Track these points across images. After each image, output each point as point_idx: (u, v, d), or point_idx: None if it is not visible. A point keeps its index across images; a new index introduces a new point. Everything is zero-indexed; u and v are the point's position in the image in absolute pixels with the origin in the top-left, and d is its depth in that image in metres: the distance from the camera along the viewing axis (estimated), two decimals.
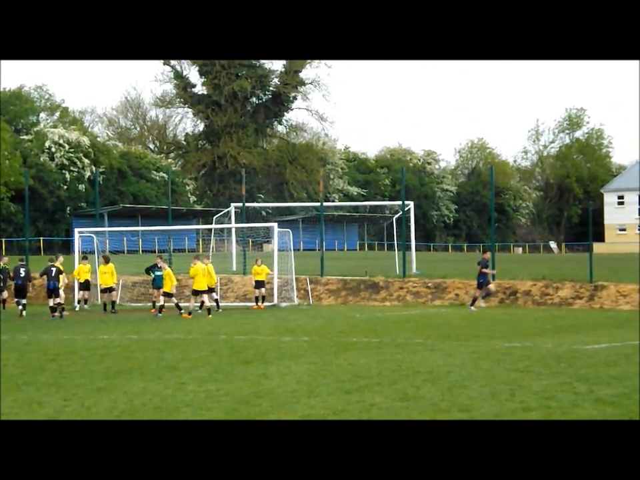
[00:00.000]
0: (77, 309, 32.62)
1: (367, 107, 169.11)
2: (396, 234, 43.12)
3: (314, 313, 29.17)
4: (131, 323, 26.58)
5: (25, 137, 77.14)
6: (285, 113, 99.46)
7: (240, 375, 14.38)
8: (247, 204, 45.33)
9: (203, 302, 30.06)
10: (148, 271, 31.80)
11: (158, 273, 30.95)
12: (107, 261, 32.68)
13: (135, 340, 20.66)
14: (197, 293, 29.77)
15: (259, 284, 32.90)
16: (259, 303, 32.63)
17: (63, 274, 30.98)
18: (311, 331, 22.17)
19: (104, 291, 32.25)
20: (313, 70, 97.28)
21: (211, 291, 30.89)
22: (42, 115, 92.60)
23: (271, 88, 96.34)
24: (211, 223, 49.58)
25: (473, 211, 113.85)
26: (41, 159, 72.32)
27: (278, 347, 18.48)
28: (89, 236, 37.55)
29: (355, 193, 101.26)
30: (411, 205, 42.51)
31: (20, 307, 29.98)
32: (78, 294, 33.16)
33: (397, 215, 43.15)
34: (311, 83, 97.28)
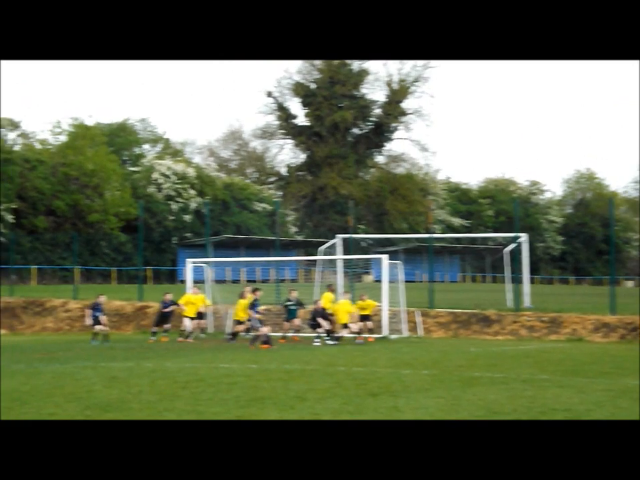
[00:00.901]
0: (194, 336, 33.25)
1: (469, 136, 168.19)
2: (506, 266, 42.50)
3: (427, 346, 28.92)
4: (246, 351, 26.78)
5: (133, 169, 79.07)
6: (386, 144, 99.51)
7: (371, 407, 14.30)
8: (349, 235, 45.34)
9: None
10: (286, 306, 32.44)
11: (292, 307, 31.73)
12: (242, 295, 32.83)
13: (256, 369, 20.79)
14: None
15: (365, 317, 32.94)
16: (366, 335, 32.56)
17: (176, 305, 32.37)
18: (429, 364, 21.95)
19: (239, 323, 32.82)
20: (415, 100, 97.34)
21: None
22: (145, 146, 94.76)
23: (372, 118, 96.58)
24: (311, 254, 49.75)
25: (580, 242, 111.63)
26: (149, 190, 73.92)
27: (400, 380, 18.33)
28: (199, 266, 38.15)
29: (457, 224, 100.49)
30: (524, 237, 41.82)
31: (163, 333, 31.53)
32: (192, 322, 33.66)
33: (508, 247, 42.49)
34: (412, 113, 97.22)
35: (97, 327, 31.05)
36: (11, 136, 79.76)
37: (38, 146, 74.74)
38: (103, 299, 32.12)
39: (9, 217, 61.05)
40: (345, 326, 30.90)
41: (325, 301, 32.12)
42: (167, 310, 32.66)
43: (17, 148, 72.83)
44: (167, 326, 32.49)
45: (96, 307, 31.51)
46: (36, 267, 60.14)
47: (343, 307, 31.50)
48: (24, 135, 79.11)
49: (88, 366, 21.38)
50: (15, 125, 79.85)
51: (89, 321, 31.64)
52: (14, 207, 61.66)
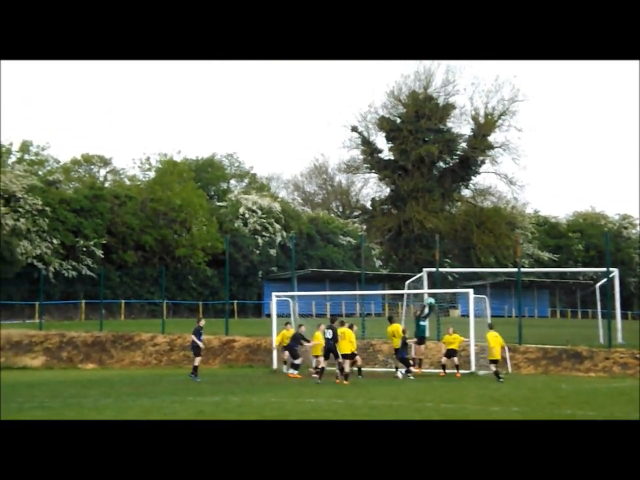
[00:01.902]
0: (284, 370, 33.24)
1: (557, 170, 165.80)
2: (599, 301, 41.46)
3: (516, 382, 28.33)
4: (332, 386, 26.58)
5: (220, 204, 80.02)
6: (473, 177, 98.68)
7: None
8: (434, 269, 44.89)
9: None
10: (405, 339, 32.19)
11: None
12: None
13: (342, 405, 20.57)
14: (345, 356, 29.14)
15: (452, 352, 32.59)
16: (455, 370, 32.21)
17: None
18: (519, 401, 21.42)
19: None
20: (502, 133, 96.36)
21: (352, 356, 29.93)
22: (232, 181, 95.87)
23: (458, 152, 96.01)
24: (397, 288, 49.38)
25: None
26: (235, 225, 74.64)
27: (489, 418, 17.88)
28: (284, 300, 38.18)
29: (546, 258, 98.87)
30: (615, 272, 40.76)
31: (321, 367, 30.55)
32: (284, 355, 33.71)
33: (600, 282, 41.44)
34: (500, 147, 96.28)
35: (197, 359, 30.40)
36: (102, 172, 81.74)
37: (127, 182, 76.33)
38: (203, 322, 31.71)
39: (99, 252, 62.21)
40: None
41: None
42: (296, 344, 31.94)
43: (107, 184, 74.48)
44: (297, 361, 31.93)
45: (198, 332, 30.71)
46: (124, 301, 61.07)
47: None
48: (114, 172, 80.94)
49: (176, 400, 21.45)
50: (105, 162, 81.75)
51: (200, 344, 30.72)
52: (103, 242, 62.85)
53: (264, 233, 75.67)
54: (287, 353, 33.25)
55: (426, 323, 35.47)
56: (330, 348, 29.09)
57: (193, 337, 30.67)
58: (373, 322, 44.79)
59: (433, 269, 43.95)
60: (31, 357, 40.07)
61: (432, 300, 36.46)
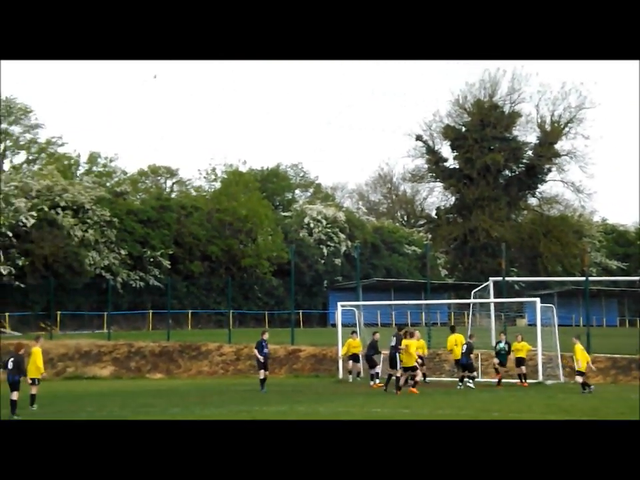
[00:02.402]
0: (350, 380, 33.24)
1: (625, 177, 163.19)
2: None
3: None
4: (401, 398, 26.52)
5: (285, 214, 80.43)
6: (539, 185, 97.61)
7: None
8: (501, 278, 44.46)
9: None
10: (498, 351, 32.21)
11: (503, 352, 32.05)
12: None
13: (408, 414, 20.52)
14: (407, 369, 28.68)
15: (520, 361, 32.28)
16: (522, 380, 31.91)
17: None
18: (587, 412, 21.12)
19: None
20: (569, 141, 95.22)
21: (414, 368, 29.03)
22: (297, 191, 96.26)
23: (524, 160, 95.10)
24: (462, 297, 49.02)
25: None
26: (300, 235, 74.93)
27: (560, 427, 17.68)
28: (349, 309, 38.19)
29: (614, 267, 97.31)
30: None
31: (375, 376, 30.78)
32: (348, 365, 33.70)
33: None
34: (566, 154, 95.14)
35: (261, 372, 29.88)
36: (168, 183, 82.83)
37: (193, 193, 77.18)
38: (267, 335, 30.95)
39: (166, 263, 62.92)
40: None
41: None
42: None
43: (173, 195, 75.40)
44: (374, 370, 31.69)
45: (261, 345, 29.99)
46: (191, 311, 61.64)
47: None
48: (180, 182, 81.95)
49: (242, 410, 21.60)
50: (172, 173, 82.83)
51: (261, 358, 30.04)
52: (170, 252, 63.54)
53: (329, 243, 75.83)
54: (350, 362, 33.23)
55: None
56: (392, 356, 29.00)
57: (255, 351, 30.34)
58: (438, 331, 44.52)
59: (499, 278, 43.55)
60: (99, 366, 40.70)
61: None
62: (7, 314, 52.28)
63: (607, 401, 24.30)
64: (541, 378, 32.16)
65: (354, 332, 34.60)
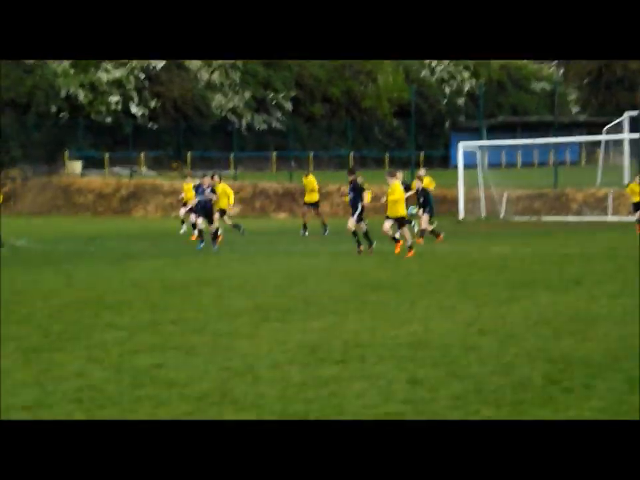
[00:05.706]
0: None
1: None
2: None
3: None
4: (522, 236, 26.17)
5: None
6: None
7: None
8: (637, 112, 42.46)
9: None
10: None
11: None
12: None
13: (530, 252, 20.17)
14: None
15: (638, 206, 30.34)
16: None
17: None
18: None
19: None
20: None
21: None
22: None
23: None
24: (595, 134, 47.16)
25: None
26: (422, 74, 73.27)
27: None
28: (472, 150, 37.42)
29: None
30: None
31: None
32: None
33: None
34: None
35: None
36: None
37: None
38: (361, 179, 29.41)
39: (288, 105, 62.92)
40: None
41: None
42: None
43: None
44: None
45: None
46: (312, 153, 61.78)
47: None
48: None
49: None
50: None
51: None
52: (292, 94, 63.48)
53: (451, 82, 74.00)
54: None
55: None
56: None
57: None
58: (567, 170, 43.41)
59: (636, 112, 41.34)
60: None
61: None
62: (142, 154, 53.95)
63: None
64: None
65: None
